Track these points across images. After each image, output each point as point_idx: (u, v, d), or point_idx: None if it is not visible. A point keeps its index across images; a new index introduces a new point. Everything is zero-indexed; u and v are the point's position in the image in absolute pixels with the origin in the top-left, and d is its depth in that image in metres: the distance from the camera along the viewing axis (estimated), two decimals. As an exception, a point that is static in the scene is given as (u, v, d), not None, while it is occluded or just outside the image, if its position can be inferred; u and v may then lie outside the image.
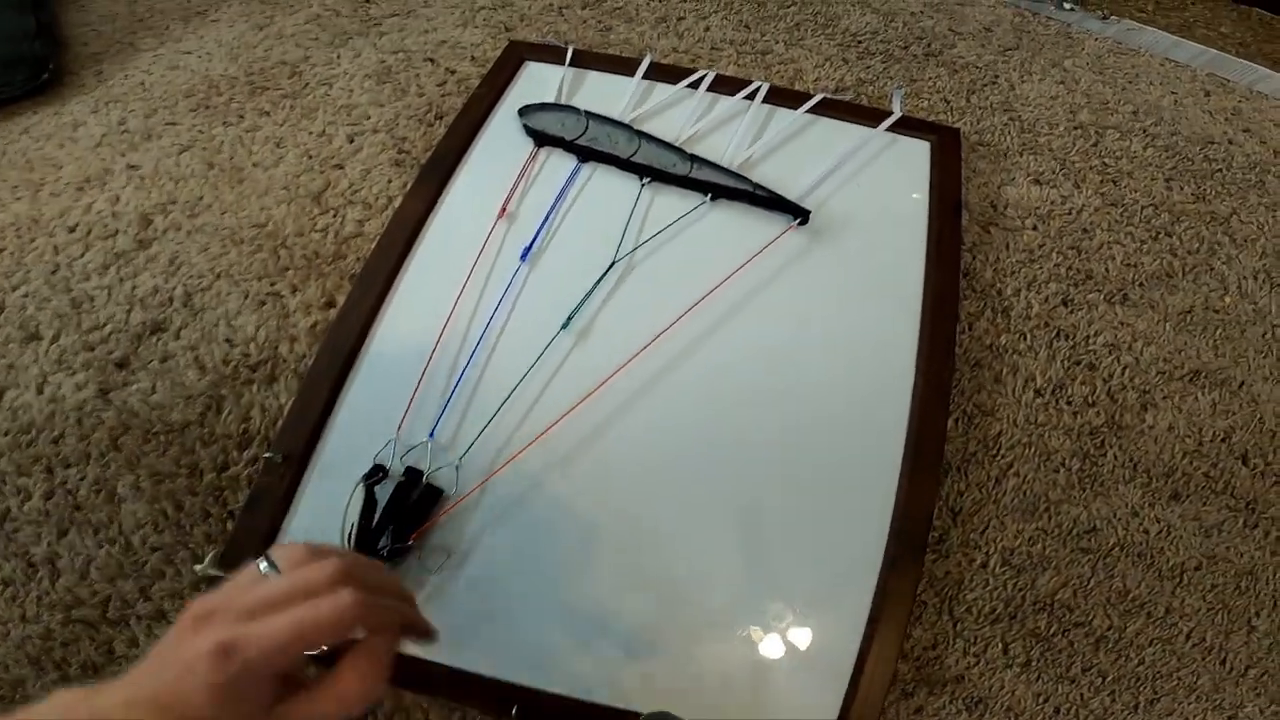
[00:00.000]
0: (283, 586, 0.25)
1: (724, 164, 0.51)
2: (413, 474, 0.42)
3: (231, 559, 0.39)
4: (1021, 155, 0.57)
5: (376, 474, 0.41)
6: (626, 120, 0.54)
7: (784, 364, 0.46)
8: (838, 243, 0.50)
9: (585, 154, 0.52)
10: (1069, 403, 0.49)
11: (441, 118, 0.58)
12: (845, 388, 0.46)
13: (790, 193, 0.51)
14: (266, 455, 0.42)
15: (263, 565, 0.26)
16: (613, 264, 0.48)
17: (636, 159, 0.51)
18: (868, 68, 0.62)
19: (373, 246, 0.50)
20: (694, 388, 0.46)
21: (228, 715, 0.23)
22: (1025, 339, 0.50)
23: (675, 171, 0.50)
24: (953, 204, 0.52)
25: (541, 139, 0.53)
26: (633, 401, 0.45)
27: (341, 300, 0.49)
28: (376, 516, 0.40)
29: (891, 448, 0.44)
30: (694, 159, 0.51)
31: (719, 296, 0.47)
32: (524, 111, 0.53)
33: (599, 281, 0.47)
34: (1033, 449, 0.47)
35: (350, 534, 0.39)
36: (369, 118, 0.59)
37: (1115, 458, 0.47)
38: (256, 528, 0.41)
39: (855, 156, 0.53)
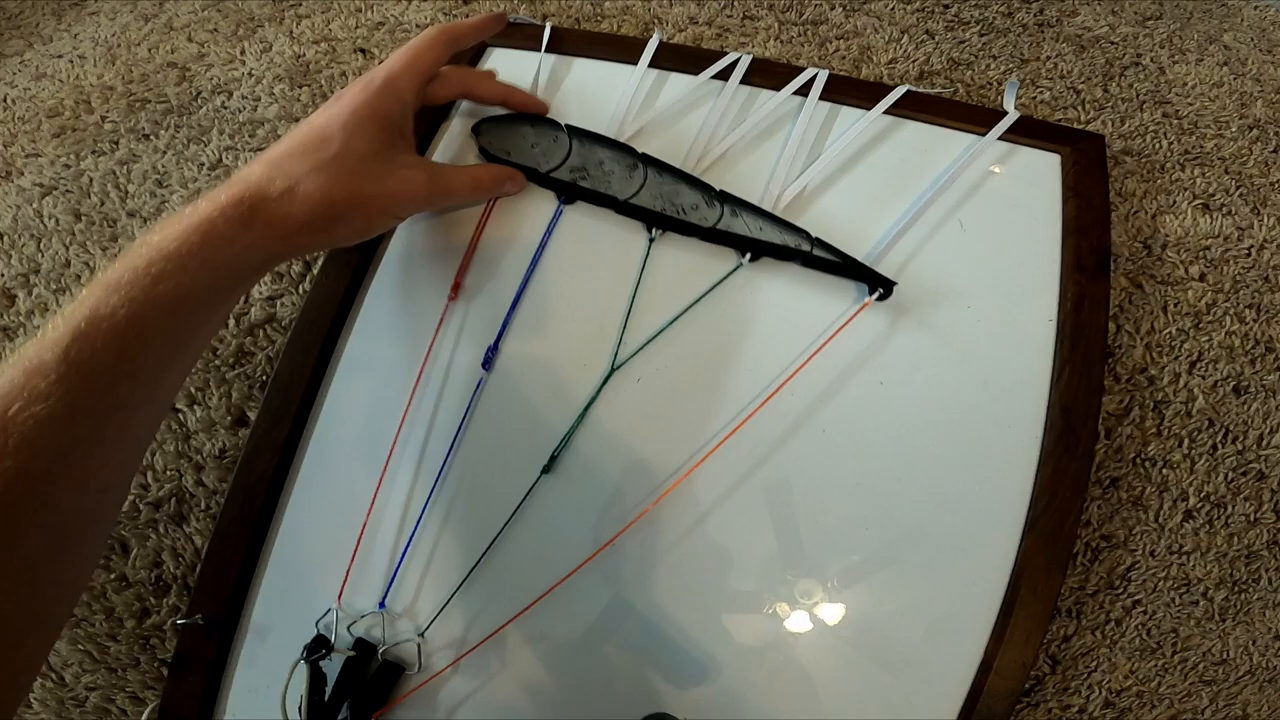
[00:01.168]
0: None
1: (768, 204, 0.35)
2: (364, 647, 0.30)
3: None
4: (1184, 169, 0.40)
5: (319, 648, 0.29)
6: (627, 135, 0.38)
7: (846, 511, 0.32)
8: (931, 321, 0.34)
9: (570, 192, 0.36)
10: (1226, 524, 0.34)
11: None
12: (930, 530, 0.31)
13: (864, 241, 0.35)
14: (181, 621, 0.31)
15: None
16: (610, 373, 0.33)
17: (641, 200, 0.34)
18: (960, 43, 0.44)
19: (285, 341, 0.36)
20: (727, 540, 0.32)
21: (359, 124, 0.26)
22: (1182, 445, 0.35)
23: (698, 220, 0.34)
24: (1096, 254, 0.36)
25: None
26: (645, 560, 0.32)
27: (253, 417, 0.36)
28: (328, 692, 0.29)
29: (986, 603, 0.31)
30: (725, 199, 0.34)
31: (761, 415, 0.32)
32: (480, 129, 0.37)
33: (591, 403, 0.33)
34: (1169, 582, 0.34)
35: (301, 708, 0.28)
36: (280, 137, 0.44)
37: (1270, 582, 0.34)
38: (192, 693, 0.32)
39: (956, 181, 0.36)
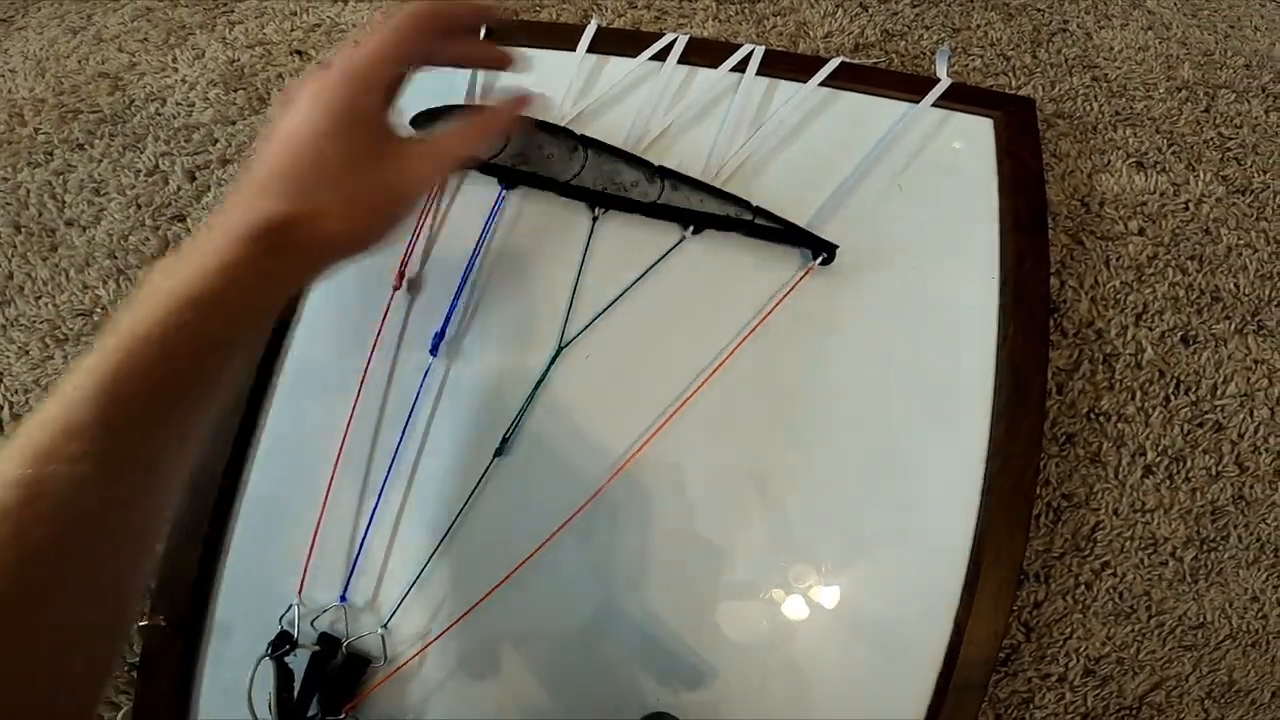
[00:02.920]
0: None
1: (708, 178, 0.34)
2: (328, 641, 0.29)
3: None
4: (1116, 129, 0.40)
5: (283, 644, 0.28)
6: (567, 120, 0.37)
7: (803, 481, 0.31)
8: (874, 283, 0.33)
9: (511, 176, 0.34)
10: (1188, 479, 0.34)
11: None
12: (889, 496, 0.31)
13: (805, 209, 0.34)
14: (143, 624, 0.30)
15: None
16: (559, 350, 0.32)
17: (583, 180, 0.33)
18: (894, 15, 0.44)
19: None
20: (684, 509, 0.31)
21: (329, 122, 0.23)
22: (1135, 398, 0.34)
23: (639, 196, 0.33)
24: (1033, 211, 0.35)
25: (447, 158, 0.36)
26: (605, 538, 0.30)
27: None
28: (296, 689, 0.28)
29: (952, 570, 0.30)
30: (665, 174, 0.33)
31: (710, 383, 0.31)
32: (419, 121, 0.35)
33: (541, 380, 0.31)
34: (1135, 542, 0.33)
35: (270, 705, 0.27)
36: (216, 142, 0.41)
37: (1240, 540, 0.33)
38: (164, 693, 0.30)
39: (892, 148, 0.36)
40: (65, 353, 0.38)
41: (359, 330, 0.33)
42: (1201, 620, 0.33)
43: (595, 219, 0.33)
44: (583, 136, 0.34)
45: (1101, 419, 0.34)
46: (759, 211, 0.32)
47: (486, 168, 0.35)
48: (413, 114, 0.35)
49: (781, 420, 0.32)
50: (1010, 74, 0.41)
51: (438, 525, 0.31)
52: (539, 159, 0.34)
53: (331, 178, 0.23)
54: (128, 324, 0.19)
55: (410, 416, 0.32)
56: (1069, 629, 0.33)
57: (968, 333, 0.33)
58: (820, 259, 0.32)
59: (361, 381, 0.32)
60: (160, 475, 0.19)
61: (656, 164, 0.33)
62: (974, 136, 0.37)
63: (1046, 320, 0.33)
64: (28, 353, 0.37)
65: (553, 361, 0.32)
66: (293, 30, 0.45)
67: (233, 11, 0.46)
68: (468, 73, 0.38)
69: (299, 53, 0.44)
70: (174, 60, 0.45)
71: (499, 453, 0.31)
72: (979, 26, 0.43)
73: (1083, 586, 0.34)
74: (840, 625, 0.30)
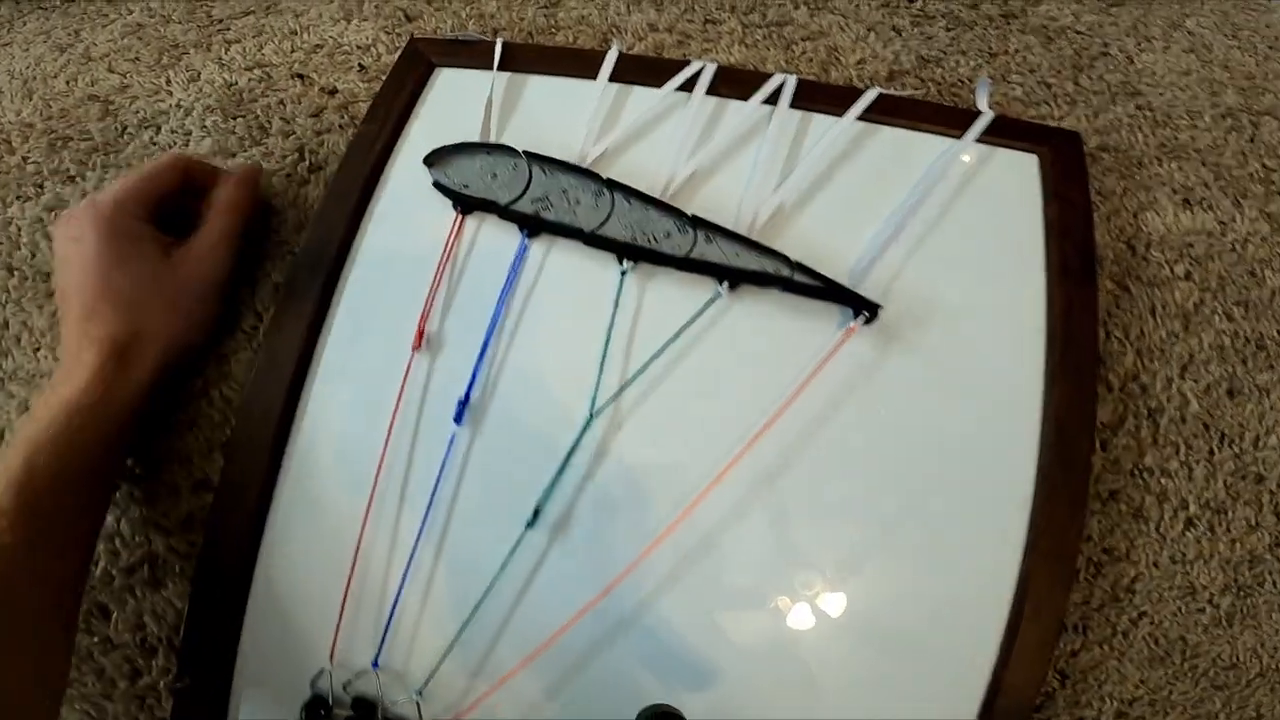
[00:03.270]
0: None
1: (743, 226, 0.32)
2: (363, 707, 0.28)
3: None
4: (1162, 163, 0.38)
5: (317, 708, 0.28)
6: (590, 159, 0.34)
7: (842, 545, 0.30)
8: (914, 339, 0.32)
9: (533, 224, 0.32)
10: (1228, 530, 0.33)
11: (318, 170, 0.38)
12: (928, 556, 0.30)
13: (844, 259, 0.32)
14: (175, 686, 0.30)
15: None
16: (590, 419, 0.30)
17: (611, 230, 0.31)
18: (928, 39, 0.41)
19: (242, 402, 0.32)
20: (730, 575, 0.30)
21: (120, 247, 0.28)
22: (1179, 453, 0.33)
23: (670, 249, 0.31)
24: (1082, 257, 0.33)
25: (465, 202, 0.33)
26: (642, 607, 0.29)
27: (215, 479, 0.32)
28: None
29: (992, 627, 0.29)
30: (697, 224, 0.31)
31: (749, 453, 0.30)
32: (433, 159, 0.33)
33: (572, 451, 0.30)
34: (1174, 591, 0.32)
35: None
36: None
37: (1274, 585, 0.33)
38: None
39: (933, 188, 0.33)
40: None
41: (378, 394, 0.31)
42: (1234, 661, 0.33)
43: (624, 273, 0.31)
44: (609, 181, 0.32)
45: (1145, 474, 0.33)
46: (797, 267, 0.31)
47: (507, 214, 0.33)
48: (426, 152, 0.34)
49: (820, 484, 0.30)
50: (1052, 102, 0.39)
51: (470, 593, 0.30)
52: (562, 205, 0.32)
53: (132, 299, 0.27)
54: (30, 430, 0.25)
55: (435, 487, 0.30)
56: (1104, 675, 0.33)
57: (1011, 390, 0.32)
58: (862, 318, 0.30)
59: (383, 451, 0.30)
60: (70, 548, 0.26)
61: (689, 213, 0.32)
62: (1018, 175, 0.35)
63: (1094, 378, 0.32)
64: (29, 409, 0.36)
65: (583, 431, 0.30)
66: (293, 51, 0.42)
67: (228, 30, 0.43)
68: (480, 107, 0.36)
69: (300, 76, 0.41)
70: (167, 82, 0.42)
71: (531, 524, 0.30)
72: (1017, 51, 0.41)
73: (1120, 635, 0.33)
74: (878, 679, 0.29)
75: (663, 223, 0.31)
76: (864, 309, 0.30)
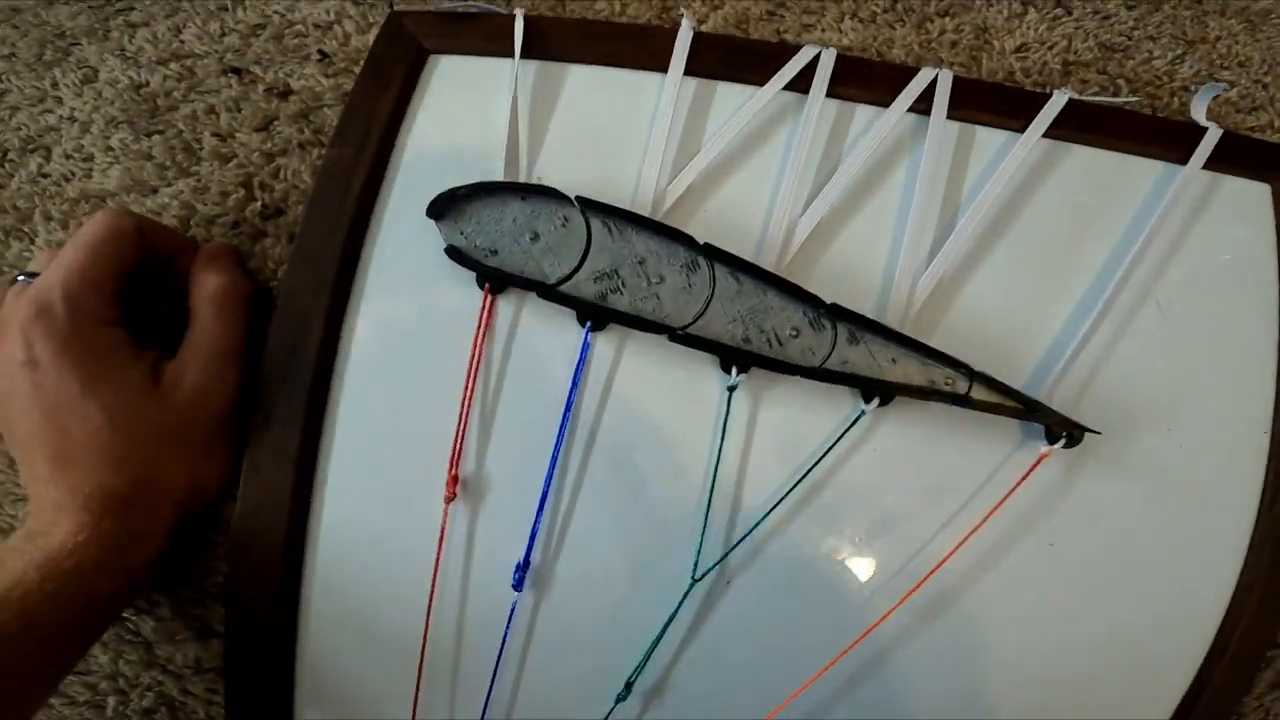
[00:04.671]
0: (48, 252, 0.23)
1: (895, 313, 0.22)
2: None
3: None
4: None
5: None
6: (669, 203, 0.23)
7: (1007, 691, 0.23)
8: (1120, 456, 0.23)
9: (599, 315, 0.22)
10: None
11: (276, 215, 0.27)
12: (1098, 681, 0.23)
13: (1031, 346, 0.23)
14: None
15: (20, 278, 0.22)
16: (692, 585, 0.22)
17: (712, 326, 0.21)
18: (1105, 19, 0.29)
19: (228, 569, 0.24)
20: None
21: (94, 374, 0.21)
22: None
23: (800, 357, 0.21)
24: None
25: (495, 278, 0.23)
26: None
27: (216, 626, 0.24)
28: None
29: None
30: (838, 316, 0.21)
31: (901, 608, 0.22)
32: (442, 208, 0.22)
33: (669, 623, 0.22)
34: None
35: None
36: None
37: None
38: None
39: (1152, 242, 0.23)
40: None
41: (408, 557, 0.22)
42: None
43: (732, 388, 0.22)
44: (708, 248, 0.22)
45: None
46: (979, 378, 0.21)
47: (558, 297, 0.22)
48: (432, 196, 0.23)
49: (975, 638, 0.23)
50: (1271, 108, 0.28)
51: None
52: (638, 284, 0.22)
53: (122, 443, 0.21)
54: None
55: (496, 669, 0.22)
56: None
57: (1224, 499, 0.23)
58: (1061, 442, 0.21)
59: (424, 634, 0.22)
60: (24, 695, 0.21)
61: (827, 300, 0.21)
62: (1244, 216, 0.25)
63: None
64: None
65: (683, 600, 0.22)
66: (223, 35, 0.29)
67: (131, 9, 0.29)
68: (500, 117, 0.25)
69: (237, 71, 0.28)
70: (54, 85, 0.29)
71: (621, 698, 0.22)
72: (1219, 39, 0.29)
73: (1273, 717, 0.28)
74: None
75: (787, 313, 0.21)
76: (1068, 432, 0.21)
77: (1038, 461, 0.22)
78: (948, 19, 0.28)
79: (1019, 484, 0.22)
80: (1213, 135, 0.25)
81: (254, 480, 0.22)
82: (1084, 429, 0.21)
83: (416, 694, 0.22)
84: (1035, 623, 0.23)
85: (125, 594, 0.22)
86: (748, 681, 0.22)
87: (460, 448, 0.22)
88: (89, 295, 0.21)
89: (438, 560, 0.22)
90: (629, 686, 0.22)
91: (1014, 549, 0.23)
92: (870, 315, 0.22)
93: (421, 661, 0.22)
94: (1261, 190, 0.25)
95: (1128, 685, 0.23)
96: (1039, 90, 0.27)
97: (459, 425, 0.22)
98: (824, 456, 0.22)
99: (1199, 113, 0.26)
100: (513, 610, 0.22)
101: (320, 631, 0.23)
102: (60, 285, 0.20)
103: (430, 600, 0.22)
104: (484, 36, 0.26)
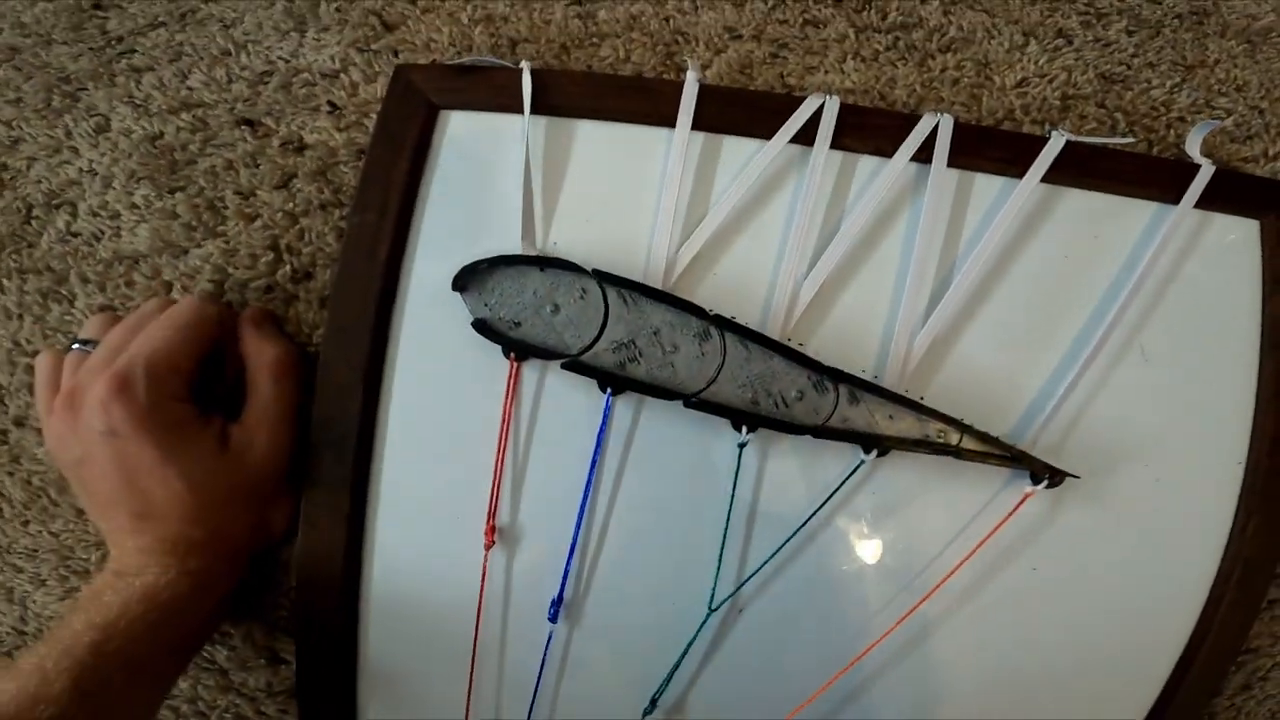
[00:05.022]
0: (124, 324, 0.25)
1: (893, 373, 0.24)
2: None
3: None
4: None
5: None
6: (680, 269, 0.24)
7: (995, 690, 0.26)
8: (1099, 493, 0.25)
9: (617, 383, 0.24)
10: None
11: (305, 278, 0.28)
12: (1067, 691, 0.26)
13: (1016, 396, 0.25)
14: None
15: (76, 346, 0.25)
16: (709, 615, 0.25)
17: (723, 391, 0.23)
18: (1105, 47, 0.29)
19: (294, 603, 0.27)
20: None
21: (172, 445, 0.22)
22: None
23: (804, 417, 0.23)
24: None
25: (519, 349, 0.24)
26: None
27: (284, 653, 0.27)
28: None
29: None
30: (839, 380, 0.23)
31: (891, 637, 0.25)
32: (465, 281, 0.24)
33: (689, 647, 0.24)
34: None
35: None
36: (171, 288, 0.28)
37: None
38: None
39: (1141, 287, 0.24)
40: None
41: (454, 596, 0.25)
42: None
43: (742, 446, 0.24)
44: (718, 318, 0.23)
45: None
46: (969, 431, 0.23)
47: (579, 367, 0.24)
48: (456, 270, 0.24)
49: (968, 660, 0.26)
50: (1266, 136, 0.28)
51: None
52: (654, 353, 0.23)
53: (197, 506, 0.23)
54: (97, 615, 0.22)
55: (538, 687, 0.25)
56: None
57: (1197, 528, 0.26)
58: (1044, 483, 0.24)
59: (471, 665, 0.25)
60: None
61: (830, 362, 0.23)
62: (1234, 253, 0.26)
63: (1300, 519, 0.26)
64: (44, 583, 0.29)
65: (700, 628, 0.25)
66: (230, 82, 0.29)
67: (133, 52, 0.29)
68: (512, 176, 0.26)
69: (249, 123, 0.29)
70: (67, 134, 0.29)
71: (647, 712, 0.25)
72: (1218, 62, 0.29)
73: (1244, 716, 0.31)
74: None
75: (792, 377, 0.23)
76: (1049, 475, 0.24)
77: (1021, 501, 0.24)
78: (949, 55, 0.28)
79: (1004, 521, 0.24)
80: (1205, 173, 0.25)
81: (311, 534, 0.25)
82: (1064, 474, 0.24)
83: (467, 716, 0.26)
84: (1019, 638, 0.26)
85: (209, 625, 0.25)
86: (759, 695, 0.25)
87: (496, 501, 0.25)
88: (170, 375, 0.23)
89: (481, 599, 0.25)
90: (654, 702, 0.25)
91: (1000, 575, 0.26)
92: (870, 372, 0.24)
93: (470, 686, 0.25)
94: (1250, 226, 0.26)
95: (1104, 691, 0.26)
96: (1038, 127, 0.28)
97: (494, 480, 0.24)
98: (826, 502, 0.24)
99: (1194, 148, 0.26)
100: (549, 639, 0.25)
101: (378, 662, 0.26)
102: (144, 363, 0.22)
103: (475, 634, 0.25)
104: (491, 91, 0.27)
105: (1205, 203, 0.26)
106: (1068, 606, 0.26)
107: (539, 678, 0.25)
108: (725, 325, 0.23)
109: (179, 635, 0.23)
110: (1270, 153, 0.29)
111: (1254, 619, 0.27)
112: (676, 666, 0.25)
